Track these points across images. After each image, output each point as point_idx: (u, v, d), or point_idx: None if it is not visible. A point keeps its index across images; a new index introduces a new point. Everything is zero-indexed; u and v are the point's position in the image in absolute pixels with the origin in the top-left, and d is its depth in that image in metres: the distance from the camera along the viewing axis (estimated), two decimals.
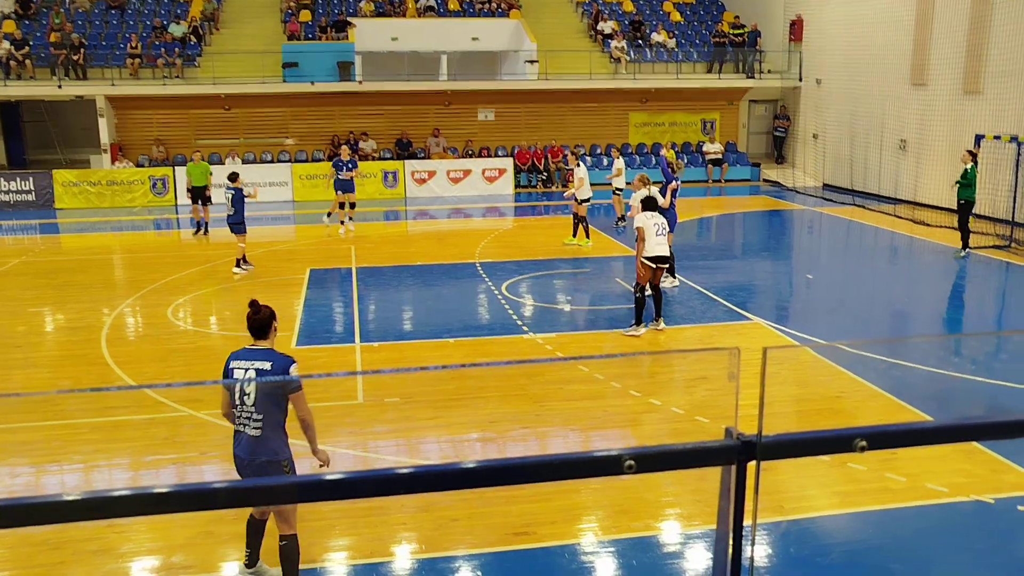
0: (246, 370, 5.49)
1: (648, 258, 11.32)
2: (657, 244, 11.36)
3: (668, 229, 11.79)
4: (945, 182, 21.16)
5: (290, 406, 5.53)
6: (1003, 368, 10.34)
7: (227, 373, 5.56)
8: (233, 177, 15.27)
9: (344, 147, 20.84)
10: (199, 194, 19.70)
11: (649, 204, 11.74)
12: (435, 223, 22.05)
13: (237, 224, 15.08)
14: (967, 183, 15.73)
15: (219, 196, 18.97)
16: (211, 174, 20.03)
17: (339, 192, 19.50)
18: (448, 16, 29.26)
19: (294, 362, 5.65)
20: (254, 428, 5.42)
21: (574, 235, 17.37)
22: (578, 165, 17.58)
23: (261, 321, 5.66)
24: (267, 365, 5.49)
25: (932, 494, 6.95)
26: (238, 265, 15.21)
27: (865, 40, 24.08)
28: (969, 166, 15.78)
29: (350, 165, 19.63)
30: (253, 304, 5.77)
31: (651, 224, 11.41)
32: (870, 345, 10.94)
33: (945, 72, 21.41)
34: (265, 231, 21.01)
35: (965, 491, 6.98)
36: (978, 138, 17.25)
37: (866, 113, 24.40)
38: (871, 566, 6.07)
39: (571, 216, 17.60)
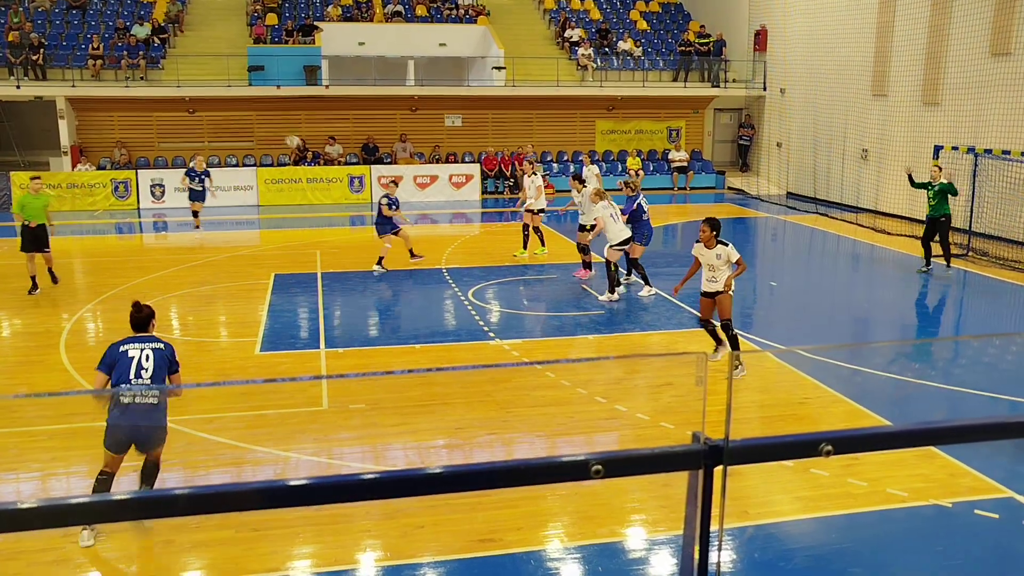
0: (141, 350, 6.61)
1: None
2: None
3: (622, 212, 13.50)
4: (906, 192, 21.55)
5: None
6: (961, 374, 10.53)
7: (118, 355, 6.58)
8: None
9: (198, 158, 20.94)
10: (35, 239, 13.84)
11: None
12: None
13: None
14: (943, 197, 15.18)
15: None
16: (49, 207, 14.19)
17: (192, 202, 20.28)
18: (415, 21, 29.22)
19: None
20: (152, 398, 6.57)
21: (524, 247, 16.81)
22: (534, 174, 17.02)
23: (142, 319, 6.85)
24: (160, 345, 6.73)
25: (893, 499, 7.05)
26: None
27: (827, 51, 24.46)
28: (944, 181, 15.30)
29: (203, 176, 20.09)
30: (136, 304, 6.95)
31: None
32: (833, 351, 11.07)
33: (905, 83, 21.81)
34: (229, 236, 20.81)
35: (924, 495, 7.09)
36: (937, 148, 17.55)
37: (828, 123, 24.76)
38: (834, 570, 6.13)
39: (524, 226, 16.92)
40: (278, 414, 8.98)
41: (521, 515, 6.79)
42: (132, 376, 6.48)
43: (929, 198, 15.42)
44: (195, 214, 20.36)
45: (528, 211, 16.76)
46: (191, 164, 20.79)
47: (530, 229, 16.80)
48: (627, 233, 13.20)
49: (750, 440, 1.43)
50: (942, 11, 20.47)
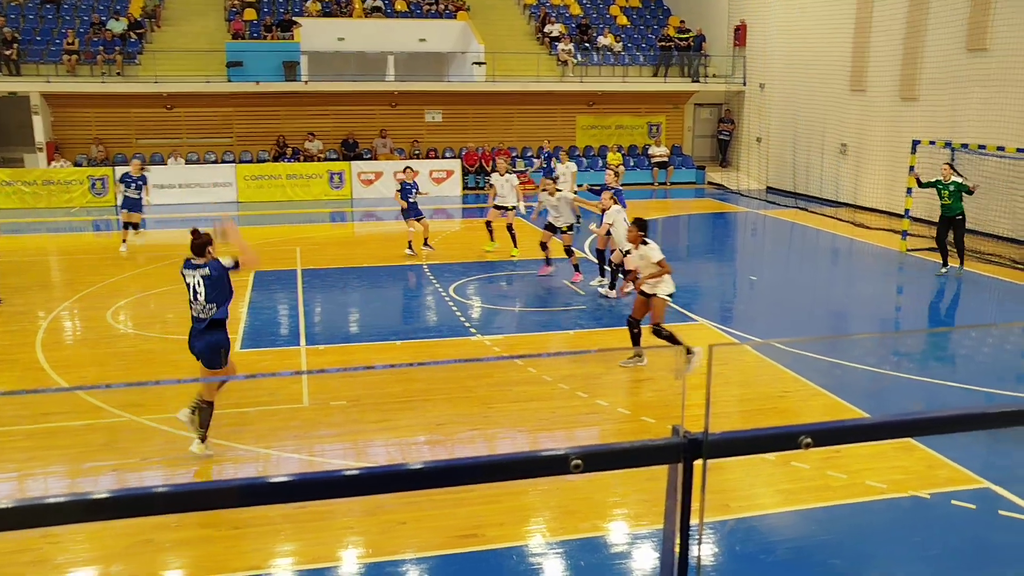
0: (194, 276, 7.56)
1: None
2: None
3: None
4: (884, 186, 21.72)
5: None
6: (938, 366, 10.63)
7: (184, 275, 7.68)
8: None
9: (135, 161, 17.87)
10: None
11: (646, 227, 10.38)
12: (382, 224, 21.88)
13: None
14: (958, 196, 14.82)
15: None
16: None
17: (125, 211, 17.19)
18: (395, 17, 29.10)
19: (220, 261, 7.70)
20: (211, 310, 7.60)
21: (515, 244, 16.48)
22: (509, 173, 16.84)
23: (197, 245, 7.64)
24: (206, 271, 7.57)
25: (872, 491, 7.11)
26: None
27: (806, 46, 24.59)
28: (955, 178, 14.94)
29: (140, 182, 17.03)
30: (193, 231, 7.71)
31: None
32: (811, 344, 11.15)
33: (883, 78, 21.97)
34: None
35: (903, 487, 7.16)
36: (914, 143, 17.68)
37: (808, 117, 24.90)
38: (814, 562, 6.18)
39: (505, 225, 16.62)
40: (259, 411, 8.93)
41: (503, 510, 6.80)
42: (191, 299, 7.65)
43: (944, 197, 14.96)
44: (129, 227, 17.19)
45: (497, 208, 16.72)
46: (127, 169, 17.76)
47: (494, 227, 16.86)
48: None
49: (729, 433, 1.44)
50: (919, 7, 20.63)
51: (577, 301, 13.55)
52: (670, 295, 10.03)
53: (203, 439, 7.60)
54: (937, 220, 15.53)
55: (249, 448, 8.08)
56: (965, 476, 7.36)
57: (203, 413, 7.59)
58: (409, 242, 16.69)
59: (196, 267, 7.57)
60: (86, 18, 26.53)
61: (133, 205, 17.04)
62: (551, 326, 12.40)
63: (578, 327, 12.25)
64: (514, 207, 16.62)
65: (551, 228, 14.74)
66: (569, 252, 14.65)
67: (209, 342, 7.61)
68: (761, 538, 6.54)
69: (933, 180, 15.42)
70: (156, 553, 6.25)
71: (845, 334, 12.51)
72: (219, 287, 7.56)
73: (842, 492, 7.09)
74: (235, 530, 6.45)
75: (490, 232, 16.99)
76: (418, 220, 16.57)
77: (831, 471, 7.36)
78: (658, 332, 9.87)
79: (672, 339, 9.92)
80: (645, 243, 9.89)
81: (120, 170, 23.89)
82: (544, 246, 14.97)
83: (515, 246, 16.50)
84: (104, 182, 23.87)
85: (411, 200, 16.54)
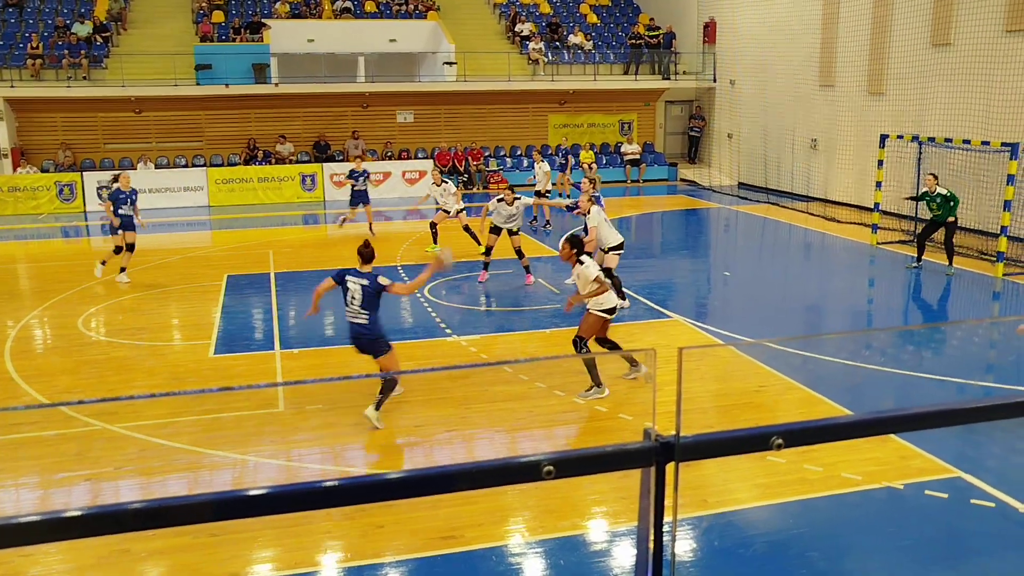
0: (354, 283, 8.47)
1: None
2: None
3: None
4: (854, 180, 21.96)
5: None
6: (910, 359, 10.76)
7: (343, 280, 8.55)
8: None
9: (124, 175, 15.50)
10: None
11: (580, 245, 9.70)
12: (355, 226, 21.77)
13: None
14: (947, 203, 14.73)
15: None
16: None
17: (120, 232, 14.81)
18: (365, 17, 28.98)
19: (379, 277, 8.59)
20: (361, 318, 8.52)
21: (480, 245, 16.12)
22: (444, 183, 17.27)
23: (365, 254, 8.66)
24: (365, 282, 8.45)
25: (847, 483, 7.19)
26: None
27: (775, 42, 24.80)
28: (940, 190, 14.79)
29: (132, 196, 15.00)
30: (365, 242, 8.83)
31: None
32: (786, 341, 11.24)
33: (850, 74, 22.20)
34: (181, 237, 20.48)
35: (877, 479, 7.24)
36: (883, 138, 17.88)
37: (778, 113, 25.11)
38: (792, 555, 6.24)
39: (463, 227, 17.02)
40: (234, 417, 8.86)
41: (481, 511, 6.80)
42: (347, 302, 8.53)
43: (932, 209, 14.91)
44: (121, 250, 14.86)
45: (442, 210, 17.16)
46: (115, 185, 15.32)
47: (439, 228, 17.20)
48: (620, 237, 12.29)
49: (701, 436, 1.45)
50: (884, 3, 20.87)
51: (552, 300, 13.57)
52: (609, 311, 9.38)
53: (378, 406, 8.40)
54: (915, 217, 15.66)
55: (225, 454, 8.02)
56: (938, 466, 7.46)
57: (387, 384, 8.50)
58: (370, 225, 18.88)
59: (361, 275, 8.48)
60: (50, 21, 26.19)
61: (128, 224, 14.84)
62: (527, 326, 12.40)
63: (554, 326, 12.27)
64: (460, 211, 17.00)
65: (495, 231, 14.58)
66: (520, 254, 14.55)
67: (369, 339, 8.53)
68: (739, 533, 6.58)
69: (920, 192, 15.40)
70: (133, 563, 6.19)
71: (819, 328, 12.62)
72: (373, 301, 8.43)
73: (818, 485, 7.16)
74: (213, 537, 6.39)
75: (434, 235, 17.23)
76: (365, 206, 19.07)
77: (807, 464, 7.42)
78: (575, 343, 9.45)
79: (591, 352, 9.59)
80: (581, 262, 9.33)
81: (92, 177, 23.59)
82: (489, 251, 14.68)
83: (435, 243, 17.09)
84: (72, 188, 23.58)
85: (357, 189, 19.04)
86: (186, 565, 6.17)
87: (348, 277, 8.53)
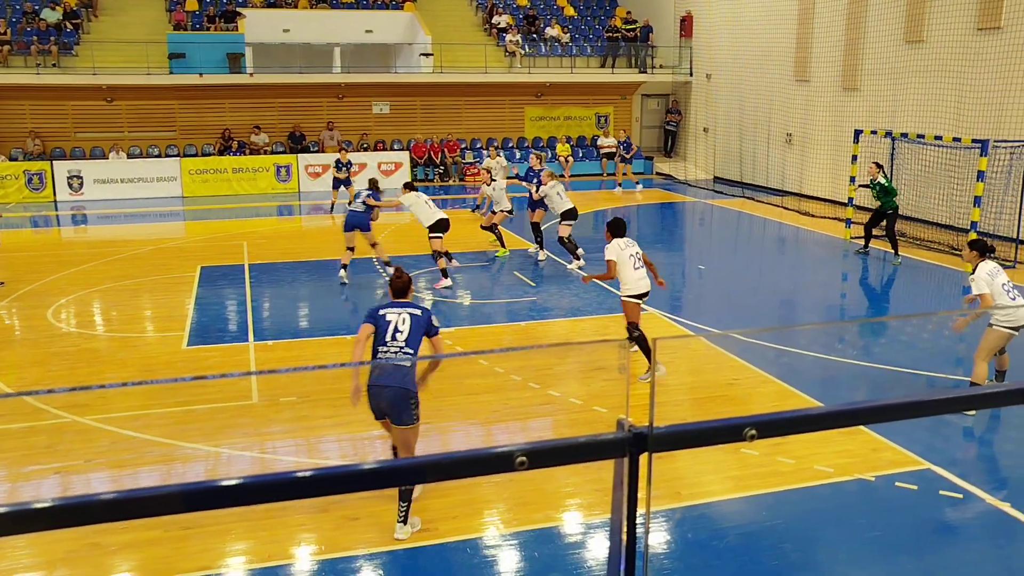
0: (399, 314, 6.67)
1: (632, 296, 9.50)
2: (638, 279, 9.49)
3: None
4: (829, 175, 22.14)
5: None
6: (881, 352, 10.88)
7: (378, 318, 6.69)
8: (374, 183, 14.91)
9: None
10: None
11: (618, 228, 9.77)
12: (331, 217, 21.66)
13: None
14: (885, 194, 15.27)
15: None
16: None
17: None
18: (341, 8, 28.78)
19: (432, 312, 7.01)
20: (404, 359, 6.82)
21: (504, 247, 16.60)
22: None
23: (401, 285, 6.94)
24: (417, 312, 6.75)
25: (819, 475, 7.26)
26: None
27: (751, 37, 24.91)
28: (880, 179, 15.32)
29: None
30: (397, 270, 7.14)
31: (627, 256, 9.49)
32: (759, 333, 11.32)
33: (825, 69, 22.35)
34: (154, 228, 20.27)
35: (849, 471, 7.32)
36: (857, 133, 18.03)
37: (753, 108, 25.24)
38: (765, 547, 6.29)
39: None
40: (207, 409, 8.79)
41: (455, 503, 6.80)
42: (388, 338, 6.62)
43: (875, 197, 15.54)
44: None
45: (502, 210, 17.23)
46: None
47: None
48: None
49: (674, 427, 1.45)
50: (859, 0, 21.03)
51: (529, 292, 13.58)
52: (636, 296, 9.50)
53: (406, 518, 6.41)
54: (874, 205, 16.04)
55: (198, 446, 7.96)
56: (908, 458, 7.55)
57: (405, 492, 6.46)
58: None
59: (404, 306, 6.73)
60: (18, 7, 25.76)
61: None
62: (502, 318, 12.40)
63: (529, 319, 12.28)
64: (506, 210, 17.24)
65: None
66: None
67: (405, 394, 6.45)
68: (712, 524, 6.63)
69: (867, 180, 15.96)
70: (103, 556, 6.13)
71: (793, 321, 12.72)
72: (419, 337, 6.65)
73: (791, 477, 7.22)
74: (185, 530, 6.35)
75: (499, 236, 16.87)
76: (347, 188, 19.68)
77: (780, 457, 7.49)
78: (629, 330, 9.58)
79: (643, 336, 9.55)
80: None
81: (61, 166, 23.27)
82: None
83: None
84: (41, 177, 23.26)
85: (340, 178, 20.02)
86: (158, 558, 6.12)
87: (385, 311, 6.72)
